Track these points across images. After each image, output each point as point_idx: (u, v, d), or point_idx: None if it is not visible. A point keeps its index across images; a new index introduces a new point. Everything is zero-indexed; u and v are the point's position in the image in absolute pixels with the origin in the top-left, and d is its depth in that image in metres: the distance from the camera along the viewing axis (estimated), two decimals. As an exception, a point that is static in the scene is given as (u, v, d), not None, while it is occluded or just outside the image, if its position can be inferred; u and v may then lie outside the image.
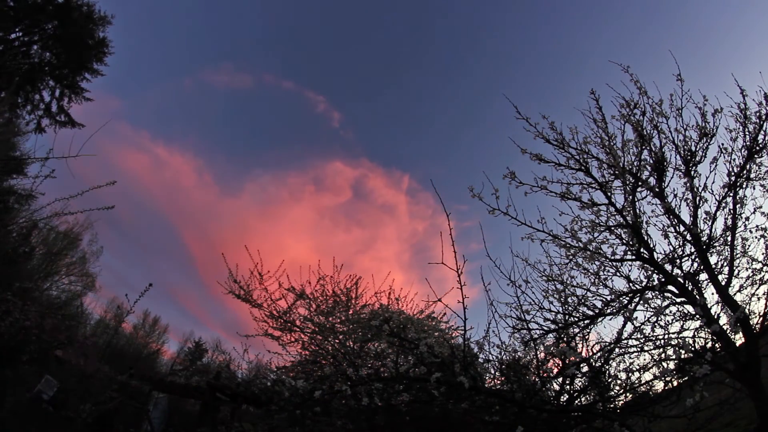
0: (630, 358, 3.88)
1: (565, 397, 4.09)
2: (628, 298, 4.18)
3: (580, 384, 4.11)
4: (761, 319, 3.52)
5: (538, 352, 4.20)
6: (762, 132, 3.75)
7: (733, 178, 3.84)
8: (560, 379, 4.15)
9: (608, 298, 4.27)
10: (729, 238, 3.80)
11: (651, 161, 4.15)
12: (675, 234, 4.10)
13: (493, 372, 4.67)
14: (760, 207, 3.86)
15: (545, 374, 4.18)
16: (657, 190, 4.12)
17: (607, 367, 3.97)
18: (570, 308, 4.38)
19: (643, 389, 3.71)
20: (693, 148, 4.01)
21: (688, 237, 3.98)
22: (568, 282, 4.49)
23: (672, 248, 4.12)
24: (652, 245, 4.08)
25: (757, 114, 3.78)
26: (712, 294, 3.76)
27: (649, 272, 4.18)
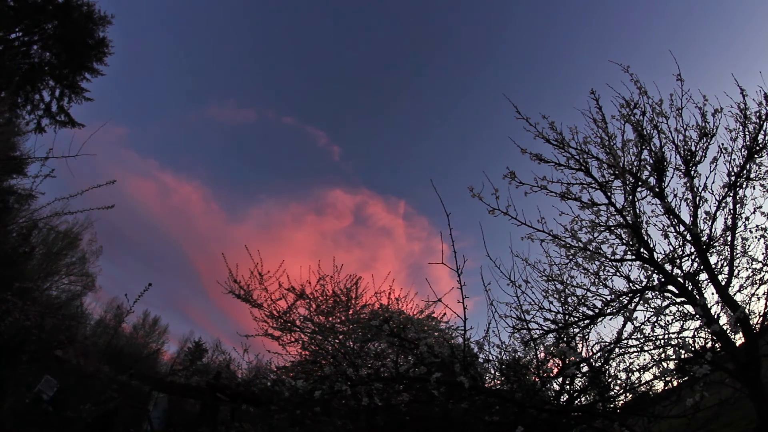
0: (630, 358, 3.88)
1: (565, 397, 4.09)
2: (628, 298, 4.17)
3: (580, 384, 4.11)
4: (761, 319, 3.52)
5: (538, 352, 4.20)
6: (762, 132, 3.75)
7: (733, 178, 3.84)
8: (560, 379, 4.15)
9: (608, 298, 4.27)
10: (729, 238, 3.80)
11: (651, 161, 4.14)
12: (675, 234, 4.10)
13: (493, 372, 4.67)
14: (760, 207, 3.86)
15: (545, 374, 4.18)
16: (657, 190, 4.12)
17: (607, 367, 3.97)
18: (570, 308, 4.38)
19: (643, 389, 3.71)
20: (693, 148, 4.01)
21: (688, 237, 3.98)
22: (568, 282, 4.49)
23: (672, 248, 4.12)
24: (652, 245, 4.08)
25: (757, 114, 3.78)
26: (712, 294, 3.77)
27: (649, 272, 4.17)
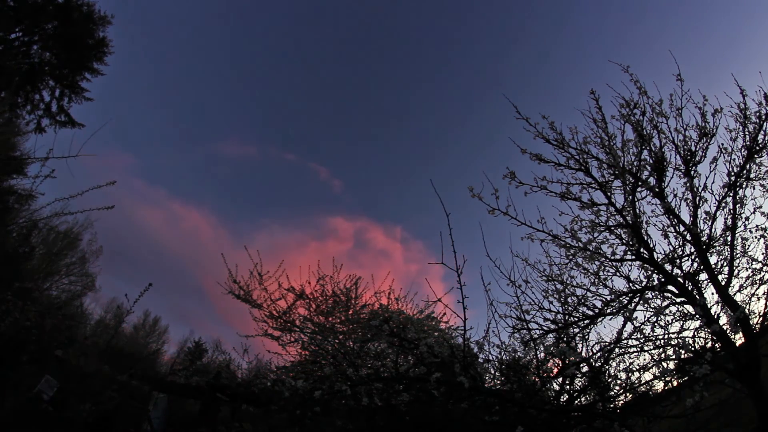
0: (630, 358, 3.88)
1: (565, 397, 4.10)
2: (628, 298, 4.17)
3: (580, 384, 4.11)
4: (761, 319, 3.52)
5: (538, 352, 4.20)
6: (762, 132, 3.75)
7: (733, 178, 3.84)
8: (560, 379, 4.15)
9: (608, 298, 4.27)
10: (729, 238, 3.80)
11: (651, 161, 4.14)
12: (675, 234, 4.10)
13: (493, 372, 4.67)
14: (760, 207, 3.86)
15: (545, 374, 4.18)
16: (657, 190, 4.11)
17: (607, 367, 3.97)
18: (570, 308, 4.38)
19: (643, 389, 3.71)
20: (693, 148, 4.00)
21: (688, 237, 3.98)
22: (568, 282, 4.49)
23: (672, 248, 4.12)
24: (652, 245, 4.08)
25: (757, 114, 3.78)
26: (712, 294, 3.76)
27: (649, 272, 4.17)
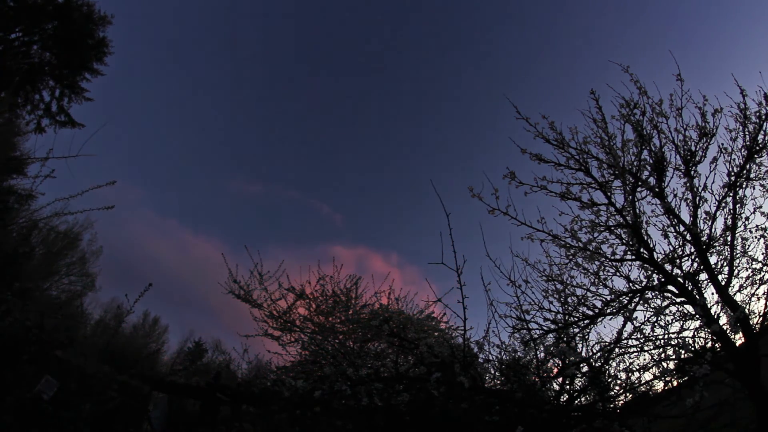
0: (630, 358, 3.88)
1: (565, 397, 4.09)
2: (628, 298, 4.17)
3: (580, 384, 4.11)
4: (761, 319, 3.52)
5: (538, 352, 4.20)
6: (762, 132, 3.75)
7: (733, 178, 3.84)
8: (560, 379, 4.15)
9: (608, 298, 4.27)
10: (729, 238, 3.80)
11: (651, 161, 4.14)
12: (675, 234, 4.10)
13: (493, 372, 4.67)
14: (760, 207, 3.86)
15: (545, 374, 4.18)
16: (657, 190, 4.12)
17: (607, 367, 3.97)
18: (570, 308, 4.38)
19: (643, 389, 3.71)
20: (693, 148, 4.00)
21: (688, 237, 3.98)
22: (568, 282, 4.49)
23: (672, 248, 4.12)
24: (652, 245, 4.08)
25: (757, 114, 3.78)
26: (712, 294, 3.76)
27: (649, 272, 4.17)
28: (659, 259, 4.08)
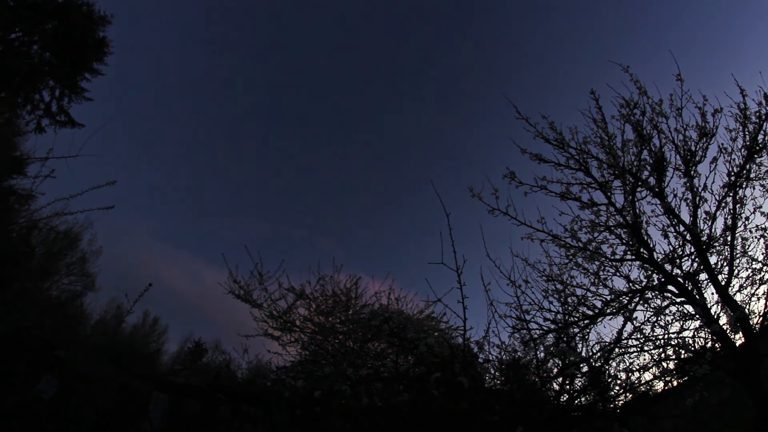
0: (630, 358, 3.88)
1: (565, 397, 4.09)
2: (628, 298, 4.17)
3: (580, 384, 4.11)
4: (761, 319, 3.52)
5: (538, 352, 4.20)
6: (762, 132, 3.75)
7: (732, 178, 3.84)
8: (560, 379, 4.15)
9: (608, 298, 4.27)
10: (729, 238, 3.80)
11: (651, 161, 4.14)
12: (675, 234, 4.10)
13: (493, 372, 4.67)
14: (760, 207, 3.86)
15: (545, 374, 4.17)
16: (657, 190, 4.12)
17: (607, 367, 3.97)
18: (570, 308, 4.38)
19: (643, 389, 3.71)
20: (693, 148, 4.00)
21: (688, 237, 3.98)
22: (568, 282, 4.49)
23: (672, 248, 4.12)
24: (651, 245, 4.08)
25: (757, 114, 3.78)
26: (712, 294, 3.77)
27: (649, 272, 4.17)
28: (659, 259, 4.08)
